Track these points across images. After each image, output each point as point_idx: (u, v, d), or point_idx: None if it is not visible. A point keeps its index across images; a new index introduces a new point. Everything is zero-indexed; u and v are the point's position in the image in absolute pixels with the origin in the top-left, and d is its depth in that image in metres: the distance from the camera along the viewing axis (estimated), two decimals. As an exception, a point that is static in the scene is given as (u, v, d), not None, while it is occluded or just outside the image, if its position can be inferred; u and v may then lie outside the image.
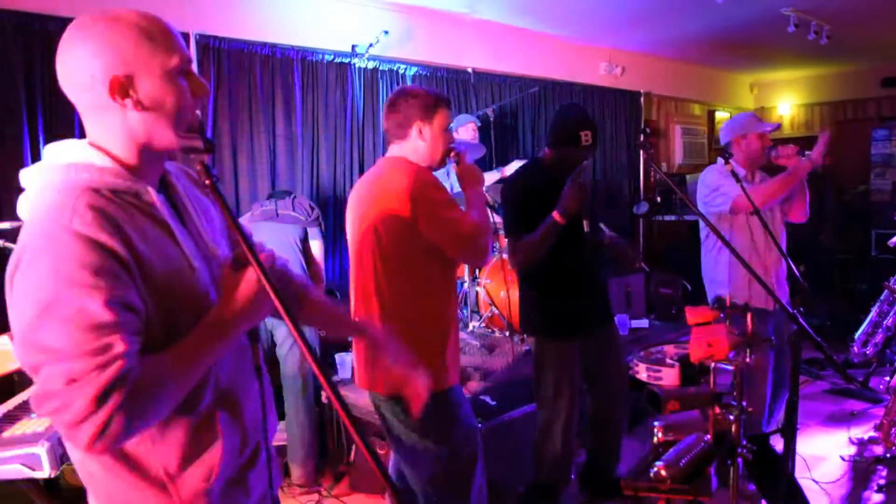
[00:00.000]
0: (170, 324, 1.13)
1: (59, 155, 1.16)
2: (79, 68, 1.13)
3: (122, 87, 1.12)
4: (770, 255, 3.25)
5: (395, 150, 2.36)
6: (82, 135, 3.70)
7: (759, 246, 3.21)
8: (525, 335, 3.13)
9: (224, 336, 1.15)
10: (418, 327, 2.21)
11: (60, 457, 1.95)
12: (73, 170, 1.12)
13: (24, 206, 1.14)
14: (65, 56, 1.16)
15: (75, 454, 1.22)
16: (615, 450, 3.20)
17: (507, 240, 2.95)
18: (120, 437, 1.02)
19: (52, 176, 1.13)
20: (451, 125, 5.13)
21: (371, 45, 4.89)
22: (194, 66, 1.31)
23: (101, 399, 0.98)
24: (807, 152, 3.21)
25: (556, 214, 2.70)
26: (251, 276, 1.16)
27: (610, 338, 3.13)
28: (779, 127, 3.37)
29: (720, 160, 3.14)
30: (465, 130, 4.99)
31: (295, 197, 3.78)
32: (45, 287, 1.00)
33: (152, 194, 1.17)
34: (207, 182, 1.16)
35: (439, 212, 2.17)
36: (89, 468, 1.19)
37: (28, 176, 1.17)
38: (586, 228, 2.90)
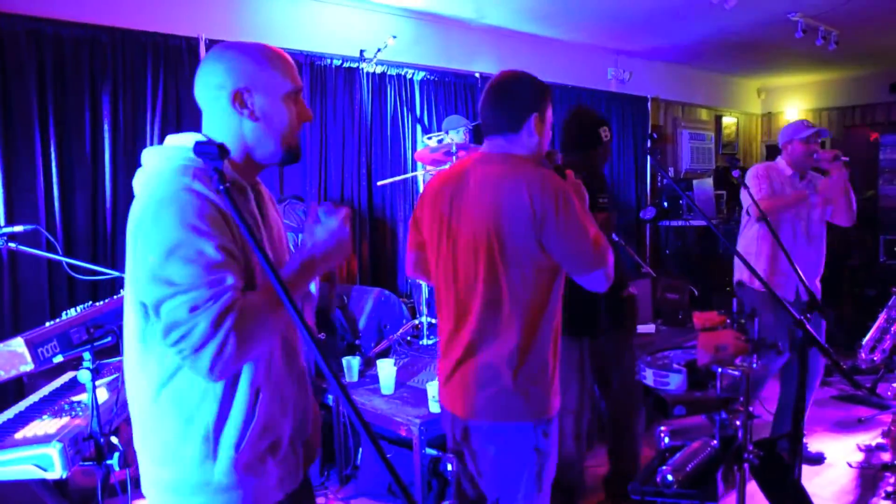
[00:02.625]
0: (251, 281, 1.33)
1: (179, 141, 1.38)
2: (211, 81, 1.38)
3: (241, 99, 1.37)
4: (809, 253, 3.60)
5: (500, 144, 1.97)
6: (94, 137, 3.72)
7: (799, 244, 3.57)
8: None
9: (307, 273, 1.34)
10: (548, 343, 1.94)
11: (72, 458, 1.97)
12: (188, 151, 1.31)
13: (140, 178, 1.37)
14: (202, 71, 1.41)
15: (137, 403, 1.37)
16: (633, 453, 3.20)
17: None
18: (234, 358, 1.20)
19: (173, 154, 1.35)
20: (442, 127, 5.18)
21: (379, 50, 4.92)
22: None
23: (217, 323, 1.17)
24: (842, 158, 3.55)
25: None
26: (331, 224, 1.37)
27: (623, 341, 3.11)
28: (826, 133, 3.76)
29: (779, 159, 3.68)
30: (457, 133, 5.01)
31: (287, 203, 3.80)
32: (171, 233, 1.22)
33: (248, 189, 1.42)
34: (221, 188, 1.20)
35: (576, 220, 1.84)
36: (148, 418, 1.35)
37: (149, 155, 1.38)
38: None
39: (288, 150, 1.43)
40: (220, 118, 1.39)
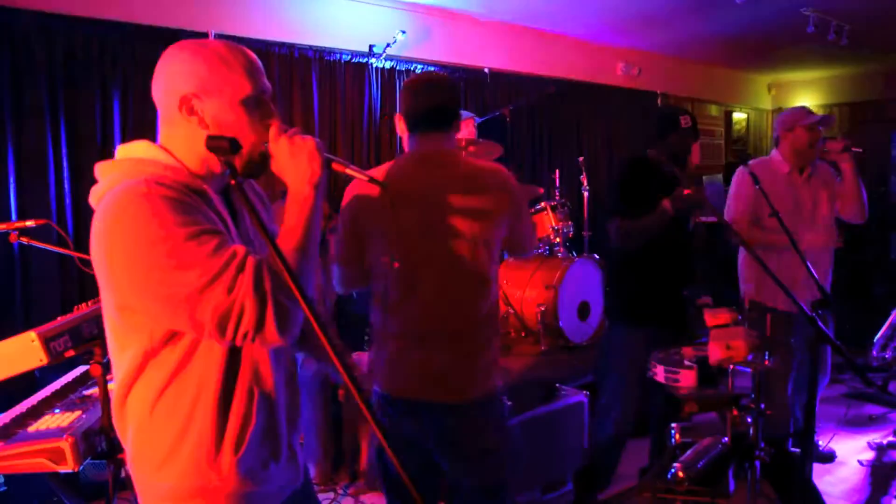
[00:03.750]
0: None
1: (128, 152, 1.31)
2: (160, 83, 1.30)
3: (189, 105, 1.26)
4: (816, 257, 3.11)
5: (438, 140, 2.01)
6: (104, 133, 3.74)
7: (805, 247, 3.07)
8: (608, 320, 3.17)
9: (309, 202, 1.26)
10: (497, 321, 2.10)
11: (84, 452, 1.97)
12: (141, 164, 1.26)
13: (97, 193, 1.27)
14: (157, 71, 1.32)
15: (132, 413, 1.30)
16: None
17: (610, 219, 2.97)
18: (291, 316, 1.16)
19: (122, 168, 1.27)
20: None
21: (388, 46, 4.91)
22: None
23: (257, 290, 1.12)
24: (854, 149, 3.17)
25: (666, 202, 2.74)
26: (294, 142, 1.28)
27: (677, 336, 3.13)
28: (831, 119, 3.27)
29: (775, 154, 3.22)
30: (465, 126, 5.00)
31: None
32: (158, 235, 1.13)
33: (209, 192, 1.29)
34: (233, 182, 1.19)
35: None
36: (144, 427, 1.29)
37: (101, 169, 1.30)
38: (691, 226, 2.96)
39: (247, 161, 1.30)
40: (169, 123, 1.31)
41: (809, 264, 3.08)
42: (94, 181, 1.30)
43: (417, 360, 1.91)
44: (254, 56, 1.34)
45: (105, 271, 1.20)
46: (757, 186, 2.74)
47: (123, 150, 1.31)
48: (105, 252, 1.18)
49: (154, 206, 1.15)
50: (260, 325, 1.13)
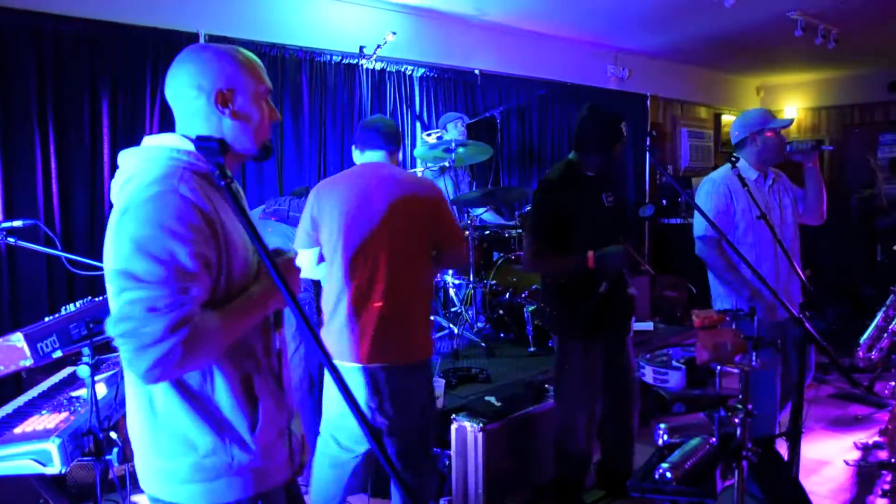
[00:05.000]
0: (230, 285, 1.36)
1: (162, 141, 1.40)
2: (189, 81, 1.40)
3: (223, 99, 1.40)
4: (783, 261, 3.06)
5: (391, 158, 2.65)
6: (93, 133, 3.70)
7: (780, 258, 3.04)
8: (552, 333, 3.15)
9: (262, 307, 1.39)
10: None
11: (70, 453, 1.96)
12: (177, 152, 1.36)
13: (119, 181, 1.36)
14: (177, 72, 1.42)
15: (141, 392, 1.37)
16: (629, 450, 3.23)
17: (528, 239, 3.01)
18: (176, 367, 1.21)
19: (158, 154, 1.36)
20: (439, 124, 5.19)
21: (379, 47, 4.91)
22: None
23: (171, 331, 1.18)
24: (825, 147, 3.12)
25: (590, 258, 2.77)
26: (286, 262, 1.45)
27: (625, 343, 3.17)
28: (791, 123, 3.25)
29: (727, 167, 3.01)
30: (454, 127, 5.01)
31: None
32: (146, 229, 1.22)
33: (236, 184, 1.42)
34: (223, 182, 1.22)
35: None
36: (158, 404, 1.36)
37: (127, 156, 1.39)
38: (602, 290, 2.87)
39: (262, 146, 1.48)
40: (197, 117, 1.41)
41: (782, 270, 3.07)
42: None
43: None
44: (258, 59, 1.50)
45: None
46: (745, 188, 2.74)
47: (154, 140, 1.41)
48: (109, 242, 1.28)
49: (170, 206, 1.25)
50: (139, 353, 1.19)
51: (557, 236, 2.88)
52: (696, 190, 3.35)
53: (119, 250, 1.24)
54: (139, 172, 1.34)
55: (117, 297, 1.23)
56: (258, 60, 1.49)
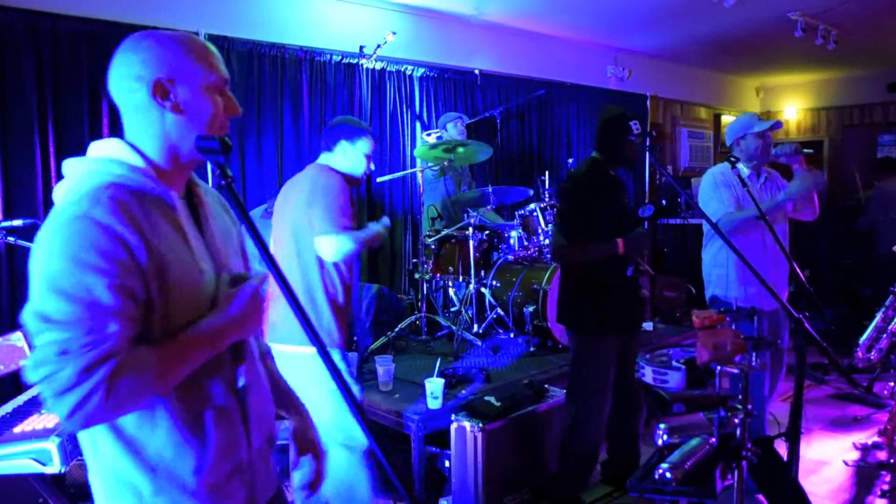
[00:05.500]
0: (170, 317, 1.21)
1: (99, 150, 1.27)
2: (128, 72, 1.26)
3: (163, 90, 1.25)
4: (779, 260, 3.27)
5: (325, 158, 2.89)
6: (93, 132, 3.71)
7: (767, 245, 3.25)
8: (568, 329, 3.20)
9: (212, 344, 1.24)
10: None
11: (70, 453, 1.96)
12: (108, 164, 1.23)
13: (58, 192, 1.23)
14: (117, 62, 1.28)
15: (85, 434, 1.27)
16: (635, 447, 3.28)
17: (556, 230, 3.12)
18: (97, 413, 1.09)
19: (89, 167, 1.24)
20: (439, 123, 5.21)
21: (379, 46, 4.91)
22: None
23: (86, 371, 1.06)
24: (805, 150, 3.28)
25: (620, 244, 2.88)
26: (247, 290, 1.28)
27: (636, 341, 3.27)
28: (779, 125, 3.38)
29: (726, 164, 3.14)
30: (453, 126, 5.02)
31: None
32: (57, 263, 1.10)
33: (174, 198, 1.27)
34: (223, 183, 1.19)
35: None
36: (99, 447, 1.25)
37: (68, 166, 1.26)
38: (630, 274, 3.06)
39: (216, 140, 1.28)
40: (140, 114, 1.27)
41: (773, 265, 3.25)
42: None
43: None
44: (213, 47, 1.34)
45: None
46: (745, 188, 2.86)
47: (95, 148, 1.28)
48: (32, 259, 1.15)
49: (82, 235, 1.11)
50: (57, 398, 1.08)
51: (585, 227, 2.97)
52: (695, 188, 3.48)
53: (33, 287, 1.13)
54: (63, 192, 1.21)
55: (34, 339, 1.11)
56: (212, 48, 1.33)
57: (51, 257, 1.11)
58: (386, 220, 2.96)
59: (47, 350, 1.08)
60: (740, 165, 3.28)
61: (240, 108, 1.36)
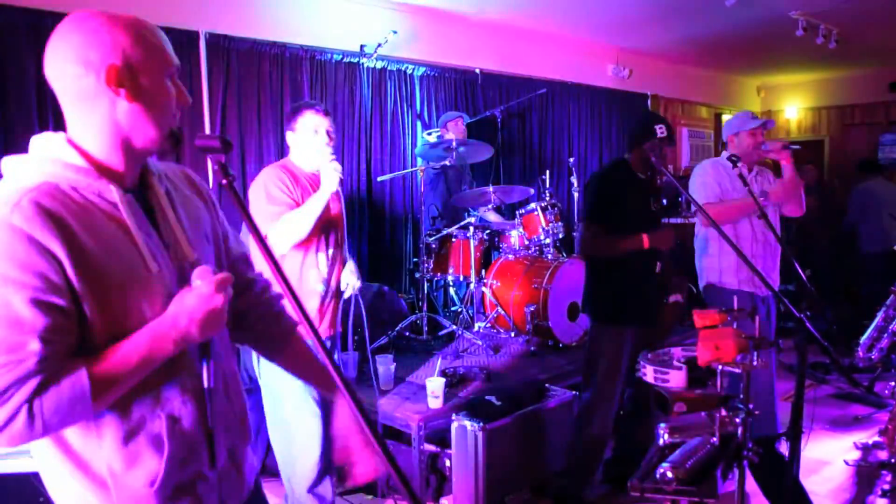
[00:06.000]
0: (116, 322, 1.13)
1: (35, 147, 1.17)
2: (74, 57, 1.13)
3: (118, 76, 1.14)
4: (768, 250, 3.35)
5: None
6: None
7: (759, 240, 3.32)
8: (591, 320, 3.29)
9: (160, 348, 1.13)
10: None
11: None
12: (41, 163, 1.14)
13: None
14: (58, 45, 1.15)
15: (34, 451, 1.20)
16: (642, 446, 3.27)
17: (583, 225, 3.17)
18: (23, 435, 1.03)
19: (22, 166, 1.15)
20: (439, 122, 5.19)
21: (380, 45, 4.91)
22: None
23: (5, 393, 1.00)
24: (792, 146, 3.35)
25: (645, 238, 2.94)
26: (201, 290, 1.15)
27: (658, 337, 3.29)
28: (771, 124, 3.54)
29: (724, 157, 3.29)
30: (455, 126, 5.01)
31: None
32: None
33: (115, 194, 1.16)
34: (224, 181, 1.17)
35: None
36: (45, 461, 1.19)
37: (6, 165, 1.17)
38: (658, 269, 3.17)
39: (170, 134, 1.22)
40: (85, 102, 1.15)
41: (763, 253, 3.32)
42: None
43: None
44: (161, 31, 1.26)
45: None
46: (736, 168, 3.08)
47: (33, 145, 1.19)
48: None
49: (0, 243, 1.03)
50: None
51: (609, 221, 3.03)
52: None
53: None
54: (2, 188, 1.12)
55: None
56: (160, 33, 1.23)
57: None
58: (332, 164, 2.61)
59: None
60: (728, 162, 3.33)
61: (189, 97, 1.26)
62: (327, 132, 2.63)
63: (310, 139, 2.61)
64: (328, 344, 2.79)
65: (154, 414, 1.18)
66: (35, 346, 1.02)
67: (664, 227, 3.07)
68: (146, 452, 1.17)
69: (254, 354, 2.54)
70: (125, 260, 1.14)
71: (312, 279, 2.63)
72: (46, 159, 1.14)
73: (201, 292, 1.15)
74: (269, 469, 3.15)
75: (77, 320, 1.08)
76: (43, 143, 1.17)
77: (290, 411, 2.55)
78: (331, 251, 2.70)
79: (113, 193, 1.15)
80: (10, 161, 1.16)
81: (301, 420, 2.56)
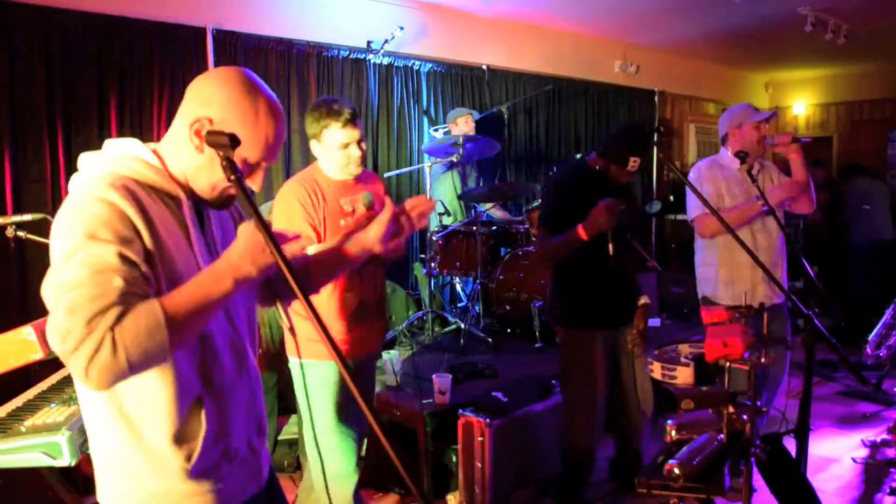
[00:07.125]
0: None
1: (116, 146, 1.34)
2: (194, 91, 1.34)
3: (197, 129, 1.29)
4: (770, 255, 3.14)
5: None
6: (101, 128, 3.71)
7: (759, 245, 3.09)
8: (556, 326, 3.14)
9: (220, 284, 1.21)
10: None
11: (80, 446, 1.98)
12: (124, 160, 1.31)
13: (74, 182, 1.31)
14: (202, 79, 1.36)
15: (89, 412, 1.33)
16: (635, 443, 3.22)
17: (538, 231, 3.03)
18: (110, 365, 1.11)
19: (104, 160, 1.31)
20: (447, 119, 5.17)
21: (386, 42, 4.91)
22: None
23: (89, 322, 1.11)
24: (802, 139, 3.13)
25: (579, 229, 2.69)
26: (245, 230, 1.23)
27: (625, 336, 3.11)
28: (774, 115, 3.29)
29: (723, 154, 3.16)
30: (464, 122, 5.01)
31: None
32: (72, 238, 1.17)
33: (182, 197, 1.33)
34: (232, 177, 1.20)
35: None
36: (101, 428, 1.31)
37: (84, 159, 1.33)
38: (611, 252, 2.79)
39: (218, 199, 1.36)
40: (178, 132, 1.33)
41: (766, 262, 3.07)
42: None
43: None
44: (282, 128, 1.36)
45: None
46: (744, 165, 2.92)
47: (111, 145, 1.34)
48: (51, 240, 1.22)
49: (93, 213, 1.19)
50: (72, 356, 1.11)
51: (562, 228, 2.82)
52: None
53: (51, 263, 1.19)
54: (80, 180, 1.30)
55: (51, 308, 1.16)
56: (278, 130, 1.34)
57: (66, 233, 1.18)
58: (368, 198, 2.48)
59: (59, 313, 1.13)
60: (727, 158, 3.20)
61: (256, 189, 1.37)
62: (359, 144, 2.41)
63: (339, 156, 2.41)
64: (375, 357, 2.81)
65: (199, 396, 1.32)
66: (118, 282, 1.15)
67: (599, 205, 2.66)
68: (189, 429, 1.30)
69: (296, 377, 2.51)
70: (182, 254, 1.30)
71: (349, 301, 2.51)
72: (130, 157, 1.31)
73: (245, 231, 1.24)
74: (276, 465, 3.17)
75: (147, 284, 1.21)
76: (127, 145, 1.33)
77: (326, 433, 2.50)
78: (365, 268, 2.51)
79: (181, 197, 1.33)
80: (90, 155, 1.33)
81: (336, 444, 2.51)
